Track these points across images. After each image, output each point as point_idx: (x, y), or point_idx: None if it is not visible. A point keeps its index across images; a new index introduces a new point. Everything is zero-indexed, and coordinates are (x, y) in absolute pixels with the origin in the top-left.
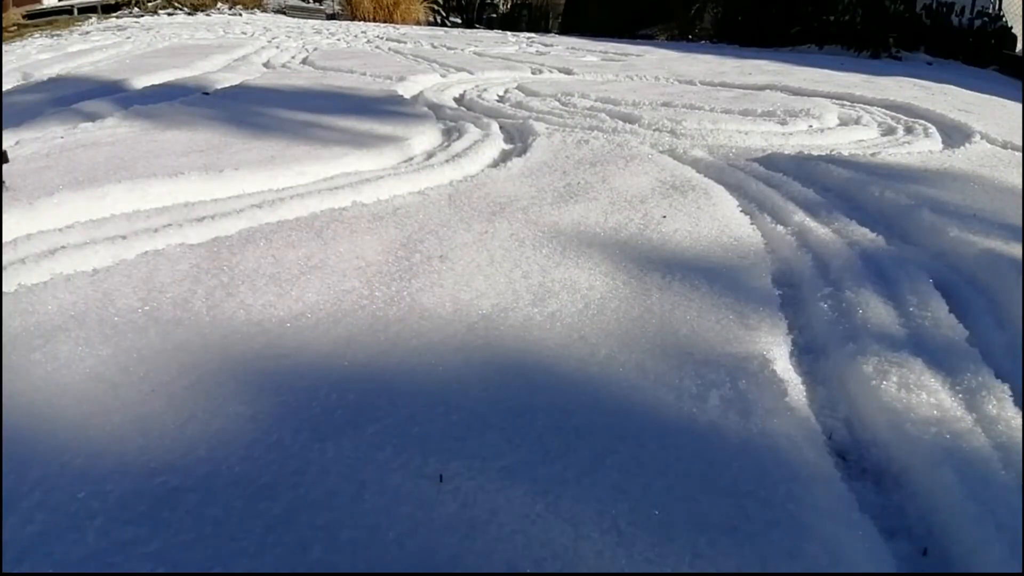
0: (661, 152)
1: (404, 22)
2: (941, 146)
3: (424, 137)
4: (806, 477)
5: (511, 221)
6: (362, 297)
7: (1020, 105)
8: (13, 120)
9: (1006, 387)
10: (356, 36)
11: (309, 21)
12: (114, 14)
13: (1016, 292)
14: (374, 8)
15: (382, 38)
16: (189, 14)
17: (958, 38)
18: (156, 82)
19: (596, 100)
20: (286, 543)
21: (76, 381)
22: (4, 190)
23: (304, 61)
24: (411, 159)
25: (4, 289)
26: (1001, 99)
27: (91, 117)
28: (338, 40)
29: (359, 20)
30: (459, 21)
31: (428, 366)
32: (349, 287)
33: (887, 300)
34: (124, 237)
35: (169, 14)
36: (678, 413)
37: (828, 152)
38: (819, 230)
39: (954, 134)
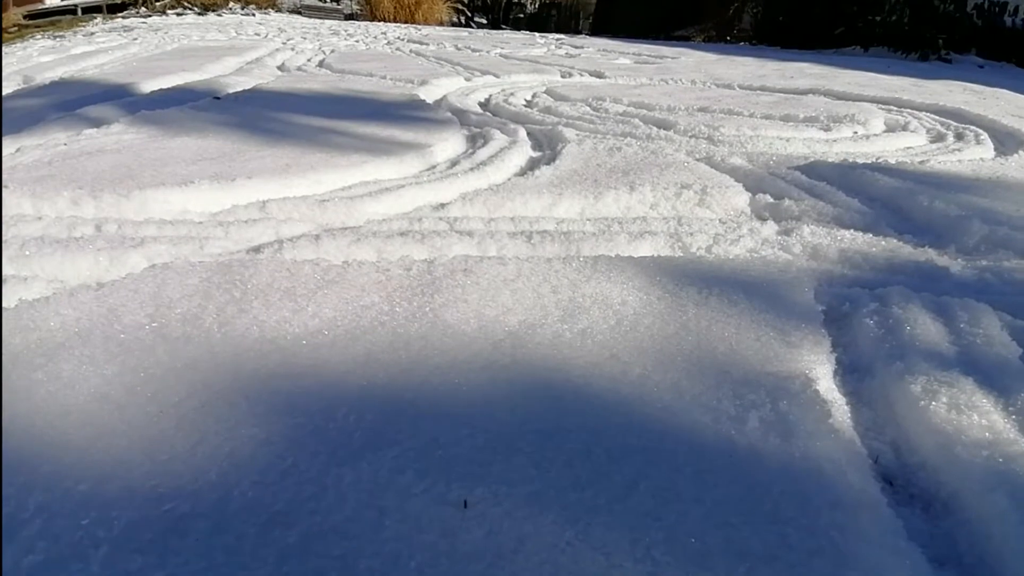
0: (698, 160)
1: (426, 22)
2: (993, 153)
3: (447, 144)
4: (851, 503)
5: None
6: (382, 313)
7: None
8: (14, 126)
9: None
10: (375, 37)
11: (326, 22)
12: (120, 14)
13: None
14: (395, 8)
15: (403, 39)
16: (199, 14)
17: (1011, 39)
18: (164, 86)
19: (629, 105)
20: (301, 573)
21: (80, 402)
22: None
23: (321, 64)
24: (434, 167)
25: (4, 304)
26: None
27: (96, 123)
28: (356, 42)
29: (379, 20)
30: (484, 21)
31: (452, 386)
32: (368, 302)
33: (936, 316)
34: (133, 248)
35: (178, 14)
36: (715, 436)
37: (874, 160)
38: (864, 241)
39: (1007, 141)
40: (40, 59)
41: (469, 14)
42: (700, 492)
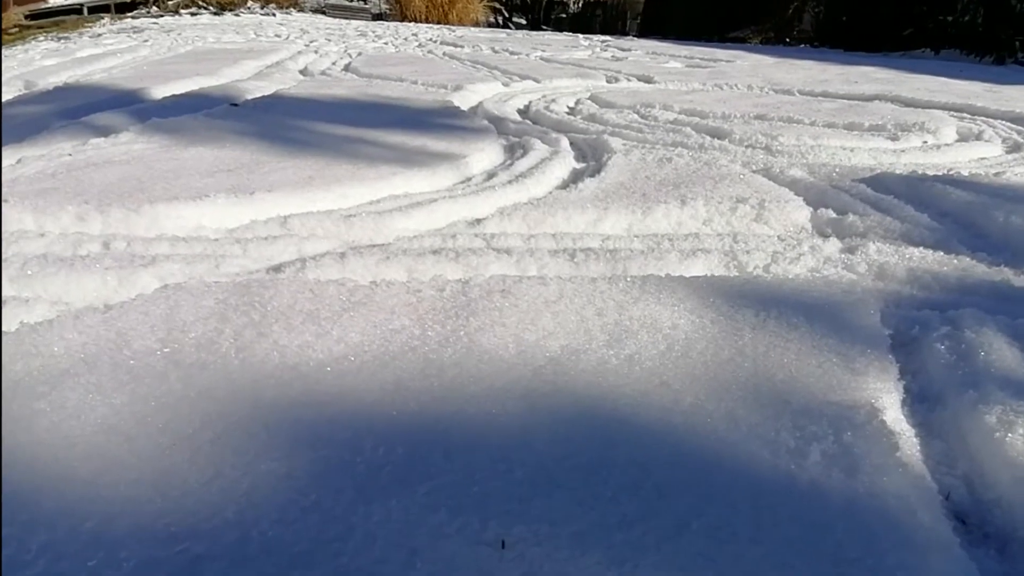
0: (754, 172)
1: (461, 23)
2: None
3: (484, 154)
4: (920, 543)
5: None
6: (413, 337)
7: None
8: (15, 135)
9: None
10: (406, 39)
11: (352, 22)
12: (129, 14)
13: None
14: (427, 7)
15: (436, 41)
16: (215, 14)
17: None
18: (177, 92)
19: (680, 112)
20: None
21: (86, 433)
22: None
23: (347, 68)
24: (469, 179)
25: (4, 328)
26: None
27: (103, 131)
28: (385, 44)
29: (409, 21)
30: (523, 22)
31: (488, 416)
32: (398, 326)
33: (1013, 340)
34: (144, 267)
35: (192, 14)
36: (774, 470)
37: (945, 171)
38: (935, 260)
39: None
40: (43, 62)
41: (507, 14)
42: (757, 531)
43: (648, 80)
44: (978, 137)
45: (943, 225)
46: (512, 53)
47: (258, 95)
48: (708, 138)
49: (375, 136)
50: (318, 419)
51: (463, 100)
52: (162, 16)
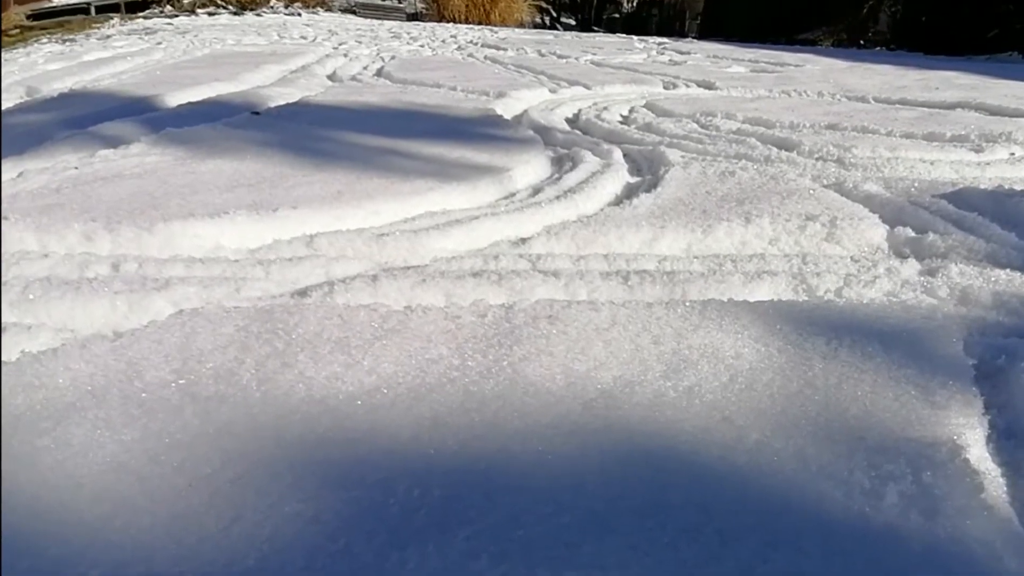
0: (826, 187)
1: (504, 23)
2: None
3: (529, 167)
4: None
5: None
6: (451, 368)
7: None
8: (15, 146)
9: None
10: (444, 41)
11: (385, 23)
12: (141, 14)
13: None
14: (466, 7)
15: (476, 43)
16: (235, 14)
17: None
18: (194, 99)
19: (744, 121)
20: None
21: (94, 472)
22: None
23: (379, 73)
24: (513, 195)
25: (4, 358)
26: None
27: (112, 143)
28: (421, 46)
29: (447, 21)
30: (572, 22)
31: (534, 454)
32: (435, 355)
33: None
34: (157, 291)
35: (210, 14)
36: (847, 513)
37: None
38: (1023, 283)
39: None
40: (46, 67)
41: (555, 14)
42: None
43: (709, 86)
44: None
45: None
46: (560, 56)
47: (282, 102)
48: (775, 150)
49: (410, 147)
50: (348, 457)
51: (506, 108)
52: (177, 16)
